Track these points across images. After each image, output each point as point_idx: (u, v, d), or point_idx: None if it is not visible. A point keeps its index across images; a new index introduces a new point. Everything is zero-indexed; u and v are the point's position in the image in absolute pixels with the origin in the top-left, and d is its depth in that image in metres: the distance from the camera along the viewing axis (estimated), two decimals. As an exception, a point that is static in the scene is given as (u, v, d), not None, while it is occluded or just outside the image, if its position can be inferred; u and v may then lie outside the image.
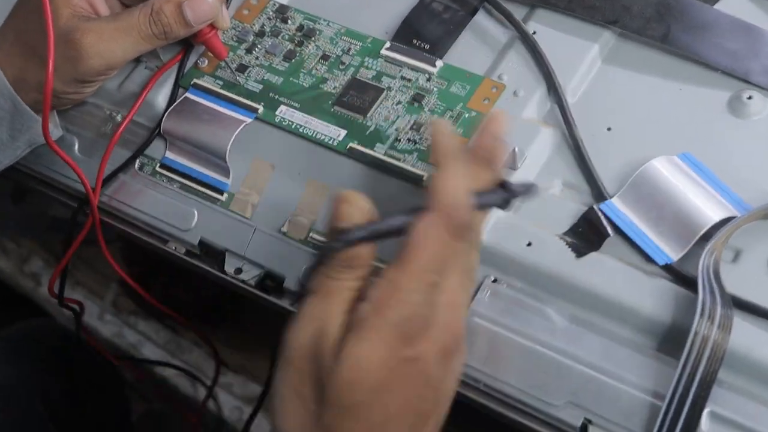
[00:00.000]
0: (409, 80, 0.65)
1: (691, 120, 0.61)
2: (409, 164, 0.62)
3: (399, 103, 0.65)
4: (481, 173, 0.51)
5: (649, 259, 0.56)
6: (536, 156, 0.61)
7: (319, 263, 0.48)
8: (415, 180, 0.61)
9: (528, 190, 0.52)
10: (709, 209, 0.56)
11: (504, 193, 0.51)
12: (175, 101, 0.69)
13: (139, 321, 1.12)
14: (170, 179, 0.68)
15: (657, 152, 0.59)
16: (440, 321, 0.47)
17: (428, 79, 0.65)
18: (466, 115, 0.63)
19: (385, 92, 0.65)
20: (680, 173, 0.58)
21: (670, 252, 0.56)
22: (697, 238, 0.56)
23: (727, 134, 0.61)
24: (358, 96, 0.65)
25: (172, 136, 0.68)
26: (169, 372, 1.10)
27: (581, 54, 0.64)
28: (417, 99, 0.65)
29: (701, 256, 0.54)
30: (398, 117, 0.64)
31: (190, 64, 0.70)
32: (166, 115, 0.68)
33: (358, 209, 0.49)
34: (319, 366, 0.46)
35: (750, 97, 0.61)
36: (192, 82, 0.69)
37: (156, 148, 0.69)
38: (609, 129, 0.62)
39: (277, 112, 0.66)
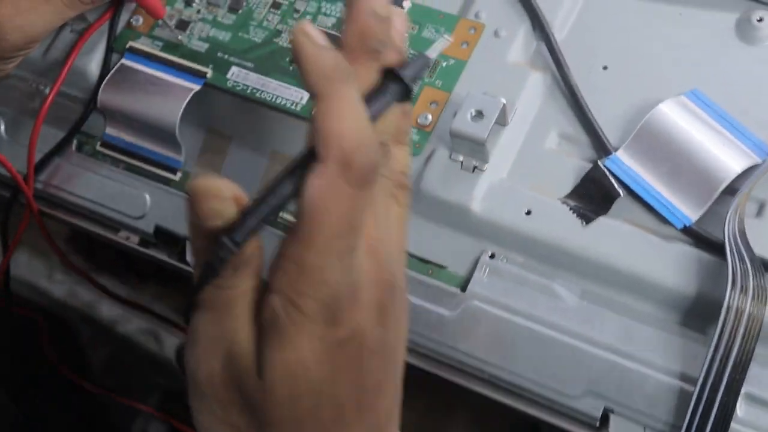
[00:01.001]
0: (375, 27, 0.57)
1: (695, 49, 0.54)
2: None
3: (366, 54, 0.57)
4: (365, 72, 0.39)
5: (665, 221, 0.50)
6: (527, 106, 0.54)
7: (206, 280, 0.38)
8: None
9: (422, 67, 0.40)
10: (729, 158, 0.50)
11: (398, 86, 0.39)
12: (109, 68, 0.60)
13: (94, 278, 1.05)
14: (114, 159, 0.60)
15: (661, 90, 0.52)
16: (366, 279, 0.38)
17: (396, 25, 0.57)
18: (444, 64, 0.56)
19: (348, 43, 0.57)
20: (692, 117, 0.51)
21: (688, 211, 0.50)
22: (717, 194, 0.49)
23: (738, 64, 0.54)
24: (319, 50, 0.57)
25: (111, 111, 0.59)
26: (131, 328, 1.03)
27: (567, -18, 0.57)
28: (386, 49, 0.57)
29: (726, 216, 0.48)
30: (366, 71, 0.56)
31: (122, 23, 0.61)
32: (102, 87, 0.59)
33: (227, 199, 0.38)
34: (243, 389, 0.38)
35: (761, 19, 0.54)
36: (127, 46, 0.60)
37: (95, 125, 0.61)
38: (605, 68, 0.55)
39: (228, 75, 0.58)
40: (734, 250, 0.47)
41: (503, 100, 0.51)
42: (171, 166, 0.59)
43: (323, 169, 0.36)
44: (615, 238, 0.50)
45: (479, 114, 0.50)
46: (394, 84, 0.39)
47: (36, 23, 0.55)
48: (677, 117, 0.51)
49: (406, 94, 0.40)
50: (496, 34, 0.56)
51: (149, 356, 0.92)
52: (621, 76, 0.54)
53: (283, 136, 0.57)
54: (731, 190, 0.49)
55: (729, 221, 0.47)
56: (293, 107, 0.56)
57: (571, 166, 0.52)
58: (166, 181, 0.59)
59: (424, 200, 0.52)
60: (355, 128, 0.36)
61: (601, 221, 0.50)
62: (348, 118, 0.36)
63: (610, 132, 0.53)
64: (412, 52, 0.56)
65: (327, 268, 0.36)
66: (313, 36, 0.38)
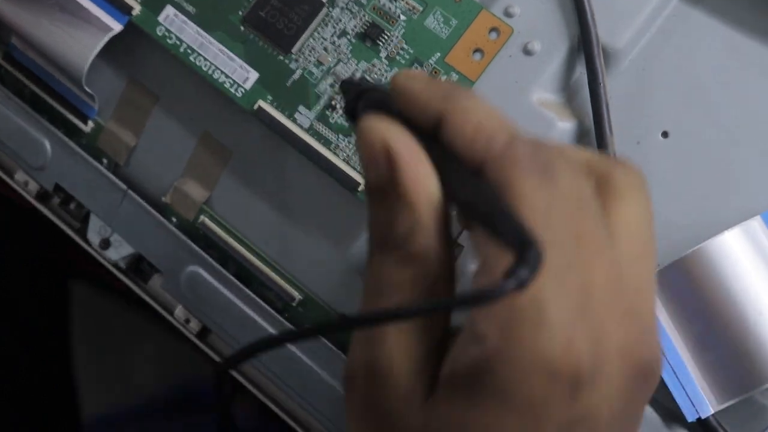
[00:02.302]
0: (365, -6, 0.41)
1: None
2: (345, 155, 0.40)
3: (344, 34, 0.41)
4: None
5: (674, 405, 0.36)
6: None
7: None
8: (350, 186, 0.40)
9: None
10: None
11: None
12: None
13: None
14: (19, 85, 0.47)
15: (738, 190, 0.37)
16: (615, 333, 0.26)
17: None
18: (442, 78, 0.40)
19: (325, 10, 0.41)
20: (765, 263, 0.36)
21: (710, 398, 0.36)
22: (760, 389, 0.35)
23: None
24: (283, 12, 0.41)
25: (9, 27, 0.45)
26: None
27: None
28: (371, 34, 0.40)
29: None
30: (339, 61, 0.41)
31: None
32: (0, -8, 0.44)
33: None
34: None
35: None
36: (43, -65, 0.44)
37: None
38: (665, 135, 0.38)
39: (161, 18, 0.43)
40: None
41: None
42: (83, 112, 0.45)
43: (518, 172, 0.26)
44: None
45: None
46: None
47: None
48: (743, 256, 0.36)
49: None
50: (525, 49, 0.39)
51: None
52: (684, 153, 0.38)
53: (219, 118, 0.43)
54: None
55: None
56: (231, 89, 0.41)
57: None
58: (75, 130, 0.45)
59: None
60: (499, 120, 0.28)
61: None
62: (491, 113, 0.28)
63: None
64: (387, 67, 0.40)
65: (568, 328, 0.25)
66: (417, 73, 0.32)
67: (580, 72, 0.39)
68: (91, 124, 0.45)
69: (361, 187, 0.39)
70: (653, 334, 0.27)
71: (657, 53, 0.39)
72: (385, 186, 0.27)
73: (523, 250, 0.23)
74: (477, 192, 0.26)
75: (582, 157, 0.29)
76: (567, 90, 0.39)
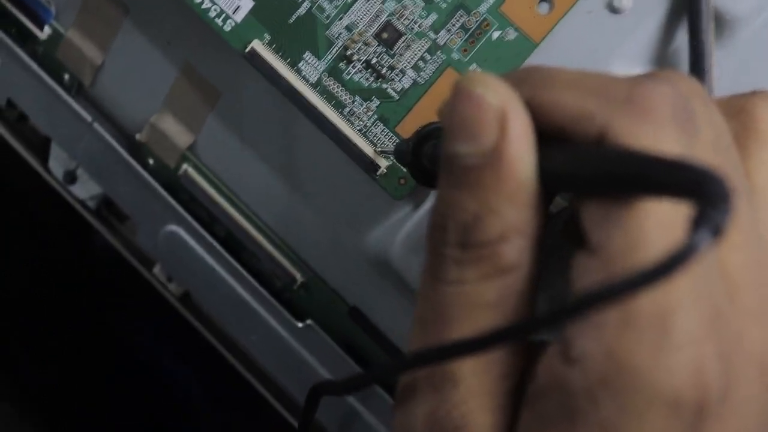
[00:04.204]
0: None
1: None
2: (361, 123, 0.31)
3: (367, -42, 0.31)
4: None
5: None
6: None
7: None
8: (366, 166, 0.31)
9: None
10: None
11: None
12: None
13: None
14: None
15: None
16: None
17: None
18: (495, 36, 0.30)
19: None
20: None
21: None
22: None
23: None
24: None
25: None
26: None
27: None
28: (400, -37, 0.30)
29: None
30: (359, -5, 0.31)
31: None
32: None
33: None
34: None
35: None
36: None
37: None
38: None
39: None
40: None
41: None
42: (39, 15, 0.36)
43: (649, 128, 0.20)
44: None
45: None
46: None
47: None
48: None
49: None
50: (610, 4, 0.29)
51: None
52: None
53: (205, 51, 0.33)
54: None
55: None
56: (218, 19, 0.31)
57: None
58: (29, 36, 0.36)
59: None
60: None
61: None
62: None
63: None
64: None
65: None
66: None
67: (681, 41, 0.29)
68: (48, 30, 0.36)
69: (381, 171, 0.30)
70: None
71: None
72: (483, 163, 0.21)
73: (703, 187, 0.18)
74: (605, 161, 0.20)
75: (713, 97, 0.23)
76: (661, 63, 0.29)
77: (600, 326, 0.19)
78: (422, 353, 0.21)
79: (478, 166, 0.21)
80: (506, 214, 0.21)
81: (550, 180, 0.21)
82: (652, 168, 0.19)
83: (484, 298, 0.21)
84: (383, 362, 0.33)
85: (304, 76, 0.31)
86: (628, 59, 0.29)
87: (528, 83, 0.21)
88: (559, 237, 0.24)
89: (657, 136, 0.20)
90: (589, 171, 0.20)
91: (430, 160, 0.26)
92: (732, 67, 0.29)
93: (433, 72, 0.30)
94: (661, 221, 0.19)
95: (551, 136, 0.21)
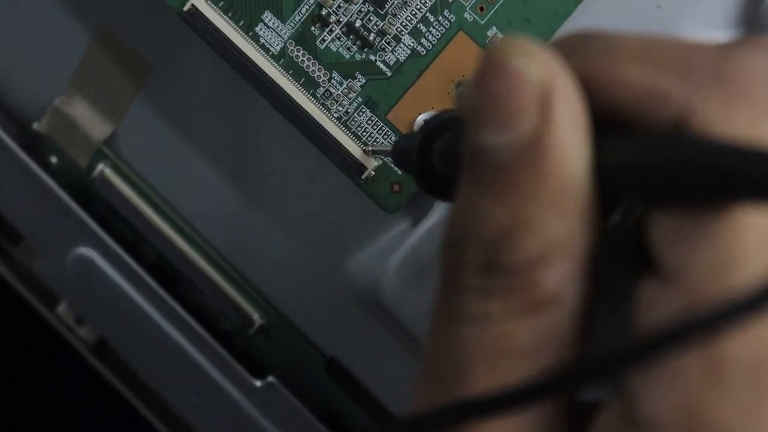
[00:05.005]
0: None
1: None
2: (340, 110, 0.24)
3: None
4: None
5: None
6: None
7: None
8: (345, 166, 0.25)
9: None
10: None
11: None
12: None
13: None
14: None
15: None
16: None
17: None
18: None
19: None
20: None
21: None
22: None
23: None
24: None
25: None
26: None
27: None
28: None
29: None
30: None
31: None
32: None
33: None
34: None
35: None
36: None
37: None
38: None
39: None
40: None
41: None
42: None
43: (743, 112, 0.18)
44: None
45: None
46: None
47: None
48: None
49: None
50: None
51: None
52: None
53: (130, 11, 0.27)
54: None
55: None
56: (151, -28, 0.24)
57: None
58: None
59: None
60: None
61: None
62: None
63: None
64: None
65: None
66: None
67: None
68: None
69: (366, 174, 0.24)
70: None
71: None
72: (518, 159, 0.18)
73: None
74: (685, 155, 0.18)
75: None
76: (745, 27, 0.24)
77: (677, 377, 0.17)
78: (431, 415, 0.18)
79: (512, 162, 0.18)
80: (547, 228, 0.18)
81: (608, 182, 0.18)
82: (751, 165, 0.17)
83: (516, 343, 0.18)
84: (372, 429, 0.27)
85: (262, 45, 0.25)
86: (703, 19, 0.25)
87: (581, 53, 0.18)
88: (617, 259, 0.20)
89: (758, 123, 0.17)
90: (662, 169, 0.18)
91: (445, 159, 0.21)
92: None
93: (439, 38, 0.25)
94: (764, 236, 0.17)
95: (611, 123, 0.18)
